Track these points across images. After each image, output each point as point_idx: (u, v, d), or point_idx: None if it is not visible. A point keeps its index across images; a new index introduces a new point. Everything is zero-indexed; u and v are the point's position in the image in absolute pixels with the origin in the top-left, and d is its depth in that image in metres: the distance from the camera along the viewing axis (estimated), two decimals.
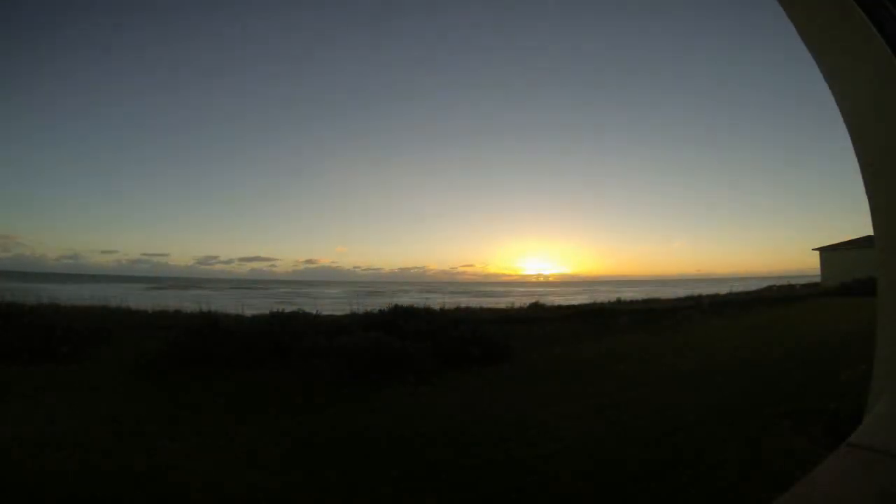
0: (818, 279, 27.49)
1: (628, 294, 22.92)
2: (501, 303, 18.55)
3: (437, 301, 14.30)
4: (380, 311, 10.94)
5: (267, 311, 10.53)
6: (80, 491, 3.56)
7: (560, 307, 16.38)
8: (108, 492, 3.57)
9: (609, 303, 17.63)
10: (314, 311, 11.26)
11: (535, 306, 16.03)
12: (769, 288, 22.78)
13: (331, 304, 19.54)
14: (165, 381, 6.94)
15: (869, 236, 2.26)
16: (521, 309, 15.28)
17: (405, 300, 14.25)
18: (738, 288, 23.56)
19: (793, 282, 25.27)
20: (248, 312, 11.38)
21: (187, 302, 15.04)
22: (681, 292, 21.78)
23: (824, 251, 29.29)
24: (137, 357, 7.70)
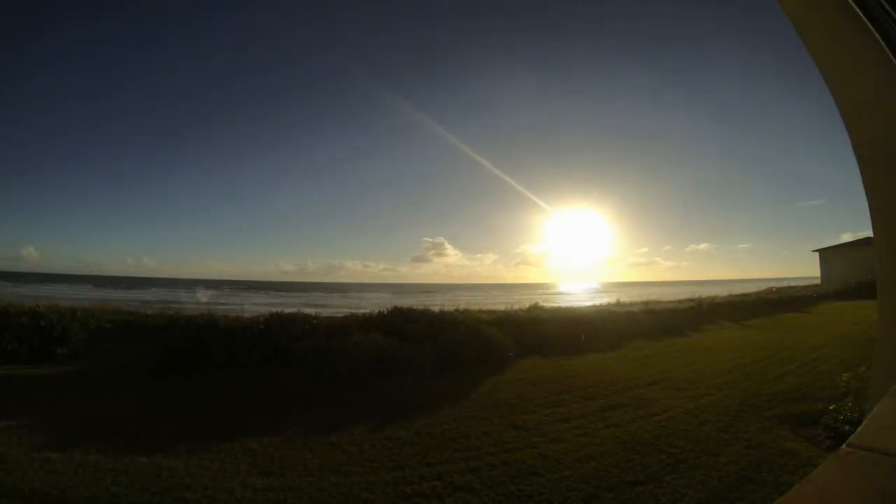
0: (814, 282, 27.58)
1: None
2: None
3: None
4: None
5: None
6: (79, 491, 3.55)
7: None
8: (109, 492, 3.56)
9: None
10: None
11: None
12: (769, 289, 22.86)
13: None
14: (164, 382, 6.91)
15: (868, 237, 2.26)
16: None
17: None
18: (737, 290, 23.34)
19: (792, 284, 25.33)
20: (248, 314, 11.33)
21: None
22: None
23: (823, 252, 29.36)
24: (136, 358, 7.67)
